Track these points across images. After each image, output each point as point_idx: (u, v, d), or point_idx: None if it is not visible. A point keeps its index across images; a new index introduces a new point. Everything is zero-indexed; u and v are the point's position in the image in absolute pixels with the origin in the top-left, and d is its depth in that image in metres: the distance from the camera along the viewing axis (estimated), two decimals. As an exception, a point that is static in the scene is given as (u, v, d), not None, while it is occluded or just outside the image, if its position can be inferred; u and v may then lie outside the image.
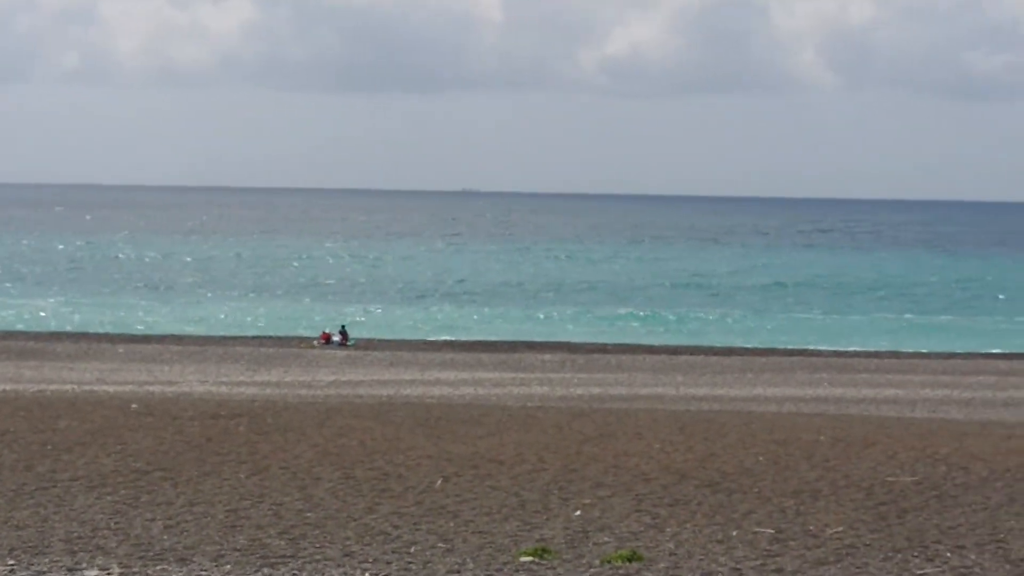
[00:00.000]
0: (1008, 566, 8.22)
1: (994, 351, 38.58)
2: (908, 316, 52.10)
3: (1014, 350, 38.77)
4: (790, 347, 38.37)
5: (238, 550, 8.52)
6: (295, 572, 7.98)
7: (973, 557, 8.48)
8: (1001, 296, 61.44)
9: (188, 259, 72.43)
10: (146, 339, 35.83)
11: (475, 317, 48.05)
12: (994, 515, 9.86)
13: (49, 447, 12.52)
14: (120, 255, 75.22)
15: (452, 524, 9.35)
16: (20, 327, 40.20)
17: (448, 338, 39.20)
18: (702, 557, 8.44)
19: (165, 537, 8.91)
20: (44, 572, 8.02)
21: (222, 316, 46.30)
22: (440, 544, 8.72)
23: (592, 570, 8.00)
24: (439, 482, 10.98)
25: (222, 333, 39.77)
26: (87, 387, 21.92)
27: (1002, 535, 9.15)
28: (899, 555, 8.53)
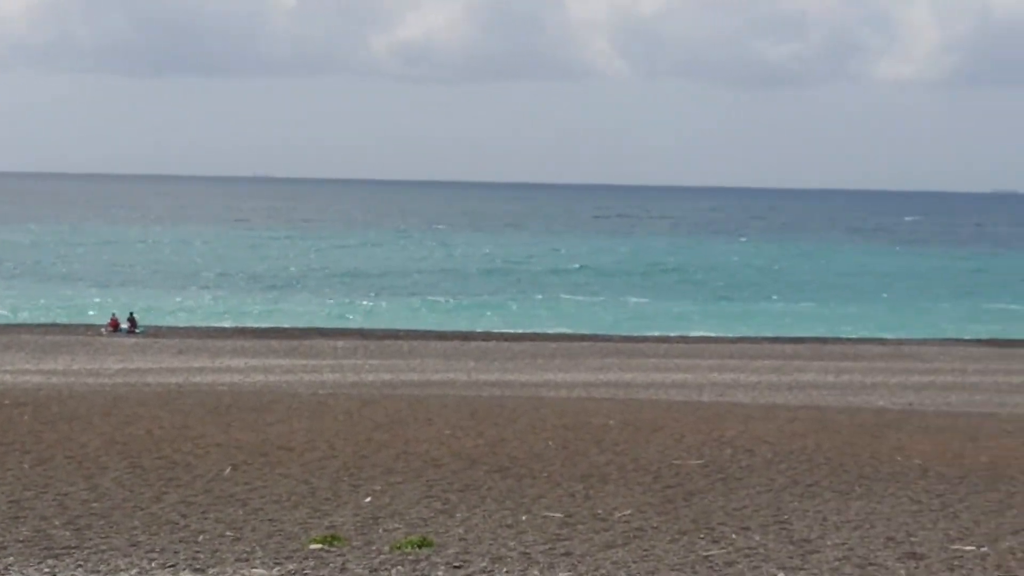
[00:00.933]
0: (791, 546, 8.38)
1: (781, 336, 39.51)
2: (700, 301, 53.17)
3: (798, 334, 39.76)
4: (582, 332, 38.79)
5: (21, 541, 8.26)
6: (80, 563, 7.77)
7: (758, 538, 8.62)
8: (788, 281, 63.01)
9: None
10: (-76, 327, 34.70)
11: (265, 304, 47.57)
12: (778, 496, 10.06)
13: None
14: None
15: (241, 512, 9.21)
16: None
17: (238, 325, 38.75)
18: (492, 542, 8.43)
19: (-59, 530, 8.61)
20: None
21: (9, 303, 45.13)
22: (228, 532, 8.58)
23: (382, 556, 7.95)
24: (228, 470, 10.82)
25: (5, 321, 38.76)
26: None
27: (786, 516, 9.33)
28: (685, 537, 8.63)
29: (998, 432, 14.09)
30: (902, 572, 7.84)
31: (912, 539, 8.69)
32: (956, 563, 8.05)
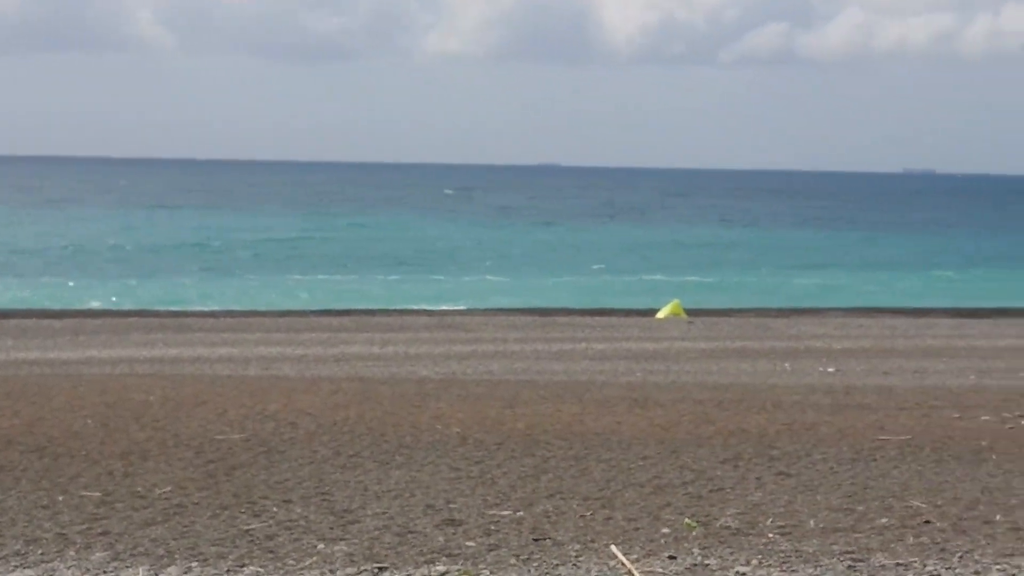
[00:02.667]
0: (332, 517, 8.42)
1: (329, 308, 39.82)
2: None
3: (345, 306, 40.17)
4: (127, 308, 37.99)
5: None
6: None
7: (299, 510, 8.63)
8: (324, 254, 63.61)
9: None
10: None
11: None
12: (320, 468, 10.09)
13: None
14: None
15: None
16: None
17: None
18: (26, 524, 8.14)
19: None
20: None
21: None
22: None
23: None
24: None
25: None
26: None
27: (327, 487, 9.36)
28: (226, 512, 8.55)
29: (535, 398, 14.56)
30: (440, 538, 8.00)
31: (451, 506, 8.87)
32: (493, 527, 8.28)
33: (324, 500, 8.97)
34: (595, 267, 62.74)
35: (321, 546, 7.76)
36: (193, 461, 10.32)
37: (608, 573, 7.34)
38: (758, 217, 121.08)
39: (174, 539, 7.87)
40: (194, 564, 7.43)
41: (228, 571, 7.33)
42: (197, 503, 8.83)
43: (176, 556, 7.57)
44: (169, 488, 9.28)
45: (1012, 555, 7.65)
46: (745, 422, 12.91)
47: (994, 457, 11.01)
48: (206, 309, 38.82)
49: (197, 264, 60.54)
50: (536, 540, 7.99)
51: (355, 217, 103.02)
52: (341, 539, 7.92)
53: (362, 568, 7.38)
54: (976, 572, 7.33)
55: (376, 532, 8.10)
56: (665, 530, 8.24)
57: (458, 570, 7.34)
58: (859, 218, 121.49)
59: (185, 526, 8.18)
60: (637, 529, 8.27)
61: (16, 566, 7.32)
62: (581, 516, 8.61)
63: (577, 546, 7.85)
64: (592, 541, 7.96)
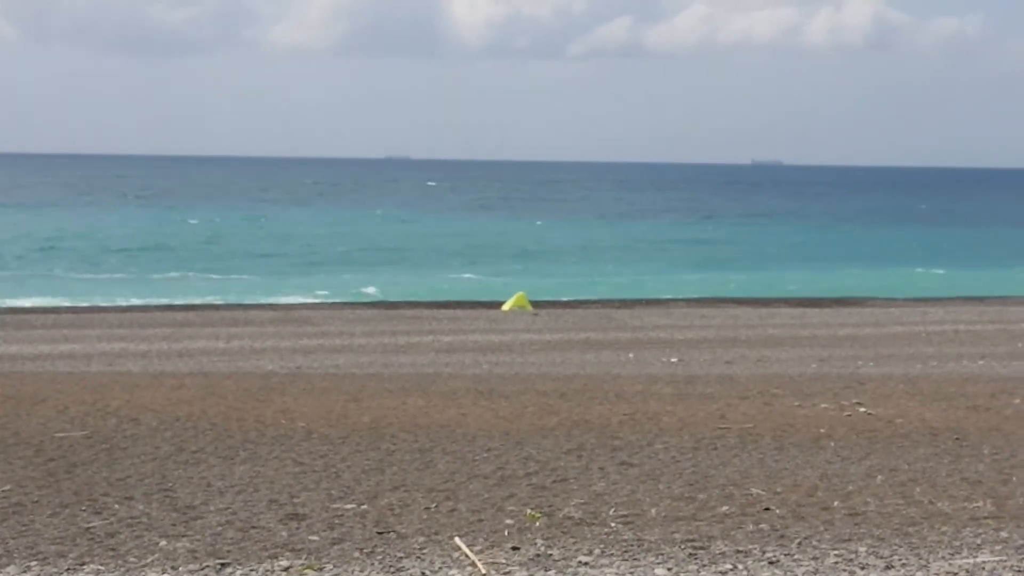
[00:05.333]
0: (175, 513, 8.35)
1: (174, 303, 39.34)
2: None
3: (191, 301, 39.72)
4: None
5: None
6: None
7: (141, 507, 8.53)
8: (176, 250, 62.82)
9: None
10: None
11: None
12: (163, 465, 9.98)
13: None
14: None
15: None
16: None
17: None
18: None
19: None
20: None
21: None
22: None
23: None
24: None
25: None
26: None
27: (170, 484, 9.27)
28: (67, 510, 8.43)
29: (381, 392, 14.54)
30: (284, 533, 7.96)
31: (295, 500, 8.84)
32: (337, 521, 8.26)
33: (166, 496, 8.88)
34: (454, 263, 62.80)
35: (163, 543, 7.68)
36: (33, 459, 10.14)
37: (452, 565, 7.37)
38: (614, 209, 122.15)
39: (13, 538, 7.74)
40: (33, 563, 7.31)
41: (68, 570, 7.23)
42: (37, 501, 8.69)
43: (15, 556, 7.44)
44: (8, 487, 9.11)
45: (849, 540, 7.83)
46: (588, 413, 13.03)
47: (833, 444, 11.24)
48: (48, 305, 38.13)
49: (42, 260, 59.54)
50: (380, 533, 7.99)
51: (206, 213, 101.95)
52: (183, 535, 7.85)
53: (204, 564, 7.32)
54: (814, 558, 7.48)
55: (219, 528, 8.04)
56: (509, 521, 8.30)
57: (302, 564, 7.32)
58: (705, 209, 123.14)
59: (24, 525, 8.05)
60: (481, 520, 8.31)
61: None
62: (425, 508, 8.63)
63: (421, 538, 7.87)
64: (436, 533, 7.99)
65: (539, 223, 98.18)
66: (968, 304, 42.10)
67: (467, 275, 55.94)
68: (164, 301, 40.25)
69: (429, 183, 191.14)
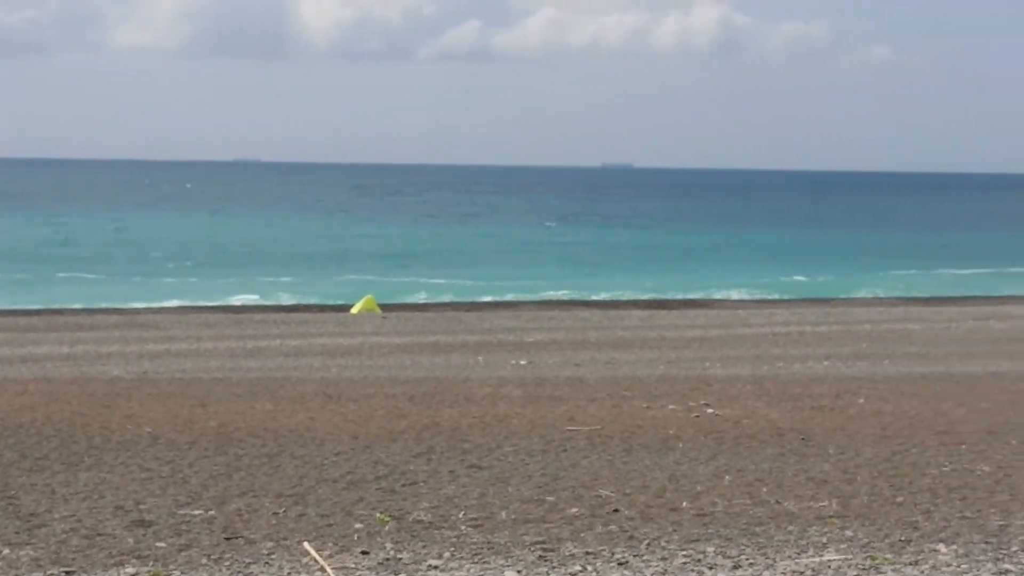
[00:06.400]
0: (18, 522, 8.18)
1: (16, 308, 38.62)
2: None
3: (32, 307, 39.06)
4: None
5: None
6: None
7: (-19, 516, 8.33)
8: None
9: None
10: None
11: None
12: (5, 472, 9.78)
13: None
14: None
15: None
16: None
17: None
18: None
19: None
20: None
21: None
22: None
23: None
24: None
25: None
26: None
27: (13, 492, 9.09)
28: (-98, 520, 8.20)
29: (229, 396, 14.40)
30: (130, 540, 7.83)
31: (141, 507, 8.70)
32: (184, 527, 8.15)
33: (9, 504, 8.69)
34: (300, 265, 62.32)
35: (6, 551, 7.51)
36: None
37: (301, 570, 7.30)
38: (465, 213, 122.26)
39: None
40: None
41: (-96, 582, 7.04)
42: None
43: None
44: None
45: (697, 541, 7.90)
46: (438, 416, 13.02)
47: (681, 445, 11.37)
48: None
49: None
50: (228, 539, 7.90)
51: (48, 216, 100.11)
52: (27, 543, 7.69)
53: (49, 572, 7.17)
54: (663, 559, 7.54)
55: (64, 535, 7.89)
56: (358, 525, 8.25)
57: (148, 571, 7.20)
58: (556, 211, 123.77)
59: None
60: (330, 525, 8.25)
61: None
62: (274, 514, 8.55)
63: (270, 544, 7.79)
64: (285, 538, 7.92)
65: (391, 225, 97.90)
66: (814, 306, 42.86)
67: (325, 278, 55.58)
68: (6, 306, 39.44)
69: (281, 185, 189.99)
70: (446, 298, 46.85)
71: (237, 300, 44.51)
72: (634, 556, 7.57)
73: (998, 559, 7.42)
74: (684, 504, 8.91)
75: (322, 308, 40.03)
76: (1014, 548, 7.64)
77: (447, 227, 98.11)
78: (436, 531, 8.13)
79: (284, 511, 8.62)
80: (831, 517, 8.50)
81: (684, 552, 7.66)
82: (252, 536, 7.97)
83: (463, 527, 8.23)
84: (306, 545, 7.72)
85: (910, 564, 7.33)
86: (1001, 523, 8.28)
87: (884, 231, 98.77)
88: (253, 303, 43.64)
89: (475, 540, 7.90)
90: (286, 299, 45.40)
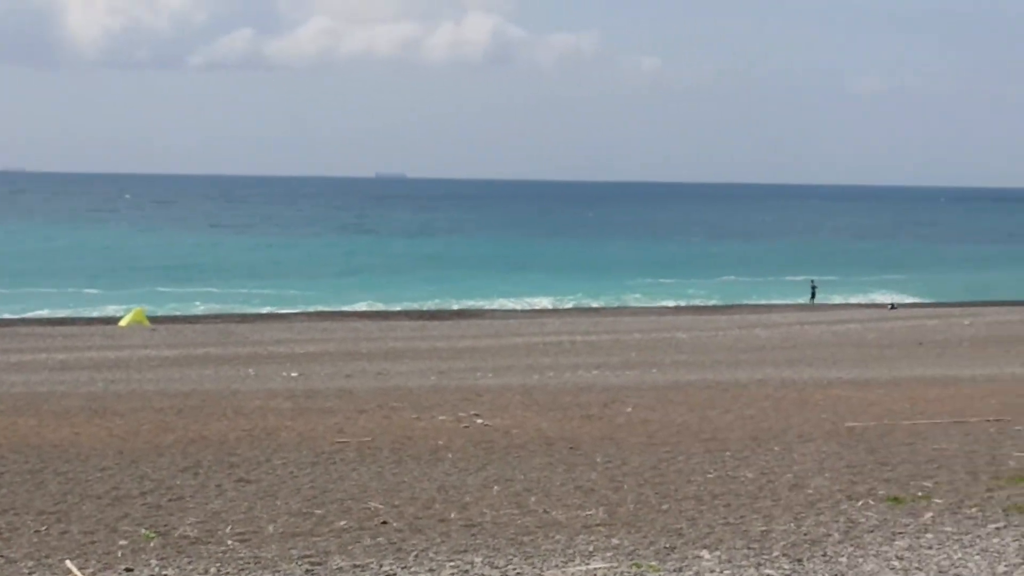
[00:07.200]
0: None
1: None
2: None
3: None
4: None
5: None
6: None
7: None
8: None
9: None
10: None
11: None
12: None
13: None
14: None
15: None
16: None
17: None
18: None
19: None
20: None
21: None
22: None
23: None
24: None
25: None
26: None
27: None
28: None
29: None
30: None
31: None
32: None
33: None
34: (69, 277, 60.65)
35: None
36: None
37: (62, 590, 7.12)
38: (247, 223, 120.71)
39: None
40: None
41: None
42: None
43: None
44: None
45: (465, 551, 7.92)
46: (206, 429, 12.84)
47: (450, 456, 11.39)
48: None
49: None
50: (-15, 559, 7.66)
51: None
52: None
53: None
54: (431, 570, 7.53)
55: None
56: (123, 542, 8.08)
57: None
58: (334, 220, 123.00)
59: None
60: (94, 542, 8.07)
61: None
62: (36, 531, 8.33)
63: (31, 562, 7.58)
64: (47, 556, 7.71)
65: (165, 237, 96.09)
66: (585, 315, 43.47)
67: (89, 290, 54.28)
68: None
69: (50, 197, 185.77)
70: (218, 309, 46.20)
71: (6, 314, 43.28)
72: (402, 568, 7.55)
73: (760, 564, 7.59)
74: (453, 515, 8.93)
75: (90, 321, 39.21)
76: (776, 553, 7.82)
77: (224, 238, 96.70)
78: (203, 546, 8.01)
79: (46, 529, 8.40)
80: (598, 525, 8.60)
81: (452, 563, 7.67)
82: (12, 555, 7.74)
83: (230, 542, 8.12)
84: (68, 563, 7.53)
85: (675, 571, 7.46)
86: (763, 528, 8.47)
87: (656, 241, 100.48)
88: (18, 316, 42.49)
89: (242, 555, 7.80)
90: (52, 312, 44.26)
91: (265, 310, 45.68)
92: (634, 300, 53.22)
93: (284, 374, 21.59)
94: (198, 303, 48.80)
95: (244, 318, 40.98)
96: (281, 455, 11.32)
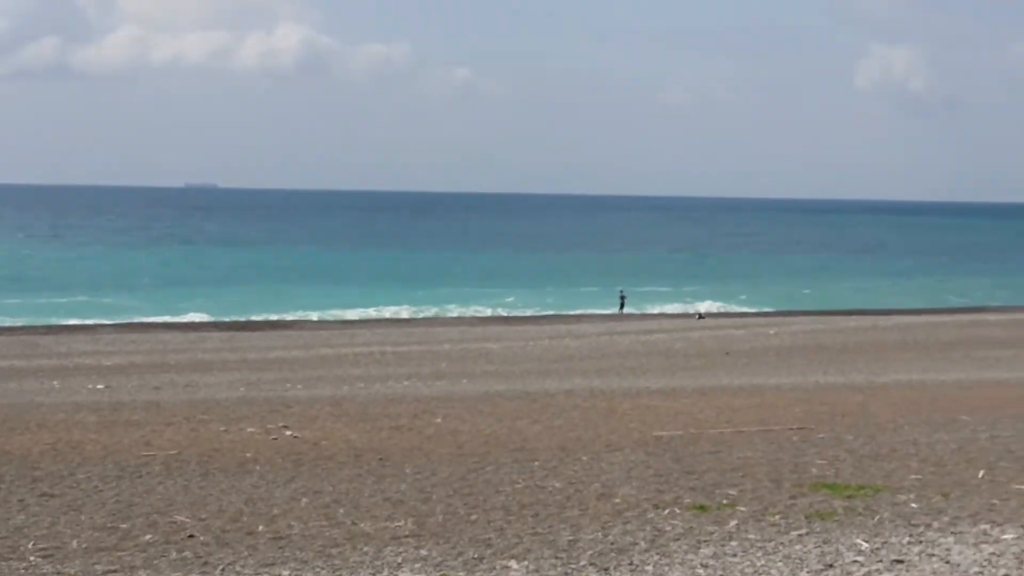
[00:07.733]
0: None
1: None
2: None
3: None
4: None
5: None
6: None
7: None
8: None
9: None
10: None
11: None
12: None
13: None
14: None
15: None
16: None
17: None
18: None
19: None
20: None
21: None
22: None
23: None
24: None
25: None
26: None
27: None
28: None
29: None
30: None
31: None
32: None
33: None
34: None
35: None
36: None
37: None
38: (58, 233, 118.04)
39: None
40: None
41: None
42: None
43: None
44: None
45: (273, 564, 7.87)
46: (8, 443, 12.56)
47: (258, 468, 11.31)
48: None
49: None
50: None
51: None
52: None
53: None
54: (237, 583, 7.48)
55: None
56: (-84, 562, 7.86)
57: None
58: (147, 231, 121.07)
59: None
60: None
61: None
62: None
63: None
64: None
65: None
66: (396, 326, 43.43)
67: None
68: None
69: None
70: (23, 321, 45.13)
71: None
72: (208, 582, 7.48)
73: (567, 573, 7.68)
74: (260, 527, 8.87)
75: None
76: (583, 562, 7.91)
77: (32, 248, 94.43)
78: (4, 563, 7.84)
79: None
80: (406, 537, 8.61)
81: (259, 576, 7.62)
82: None
83: (32, 558, 7.96)
84: None
85: (482, 581, 7.51)
86: (571, 538, 8.56)
87: (468, 251, 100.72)
88: None
89: (45, 571, 7.66)
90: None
91: (72, 321, 44.72)
92: (447, 311, 53.27)
93: (90, 386, 21.21)
94: (1, 315, 47.60)
95: (50, 329, 40.13)
96: (85, 469, 11.12)
